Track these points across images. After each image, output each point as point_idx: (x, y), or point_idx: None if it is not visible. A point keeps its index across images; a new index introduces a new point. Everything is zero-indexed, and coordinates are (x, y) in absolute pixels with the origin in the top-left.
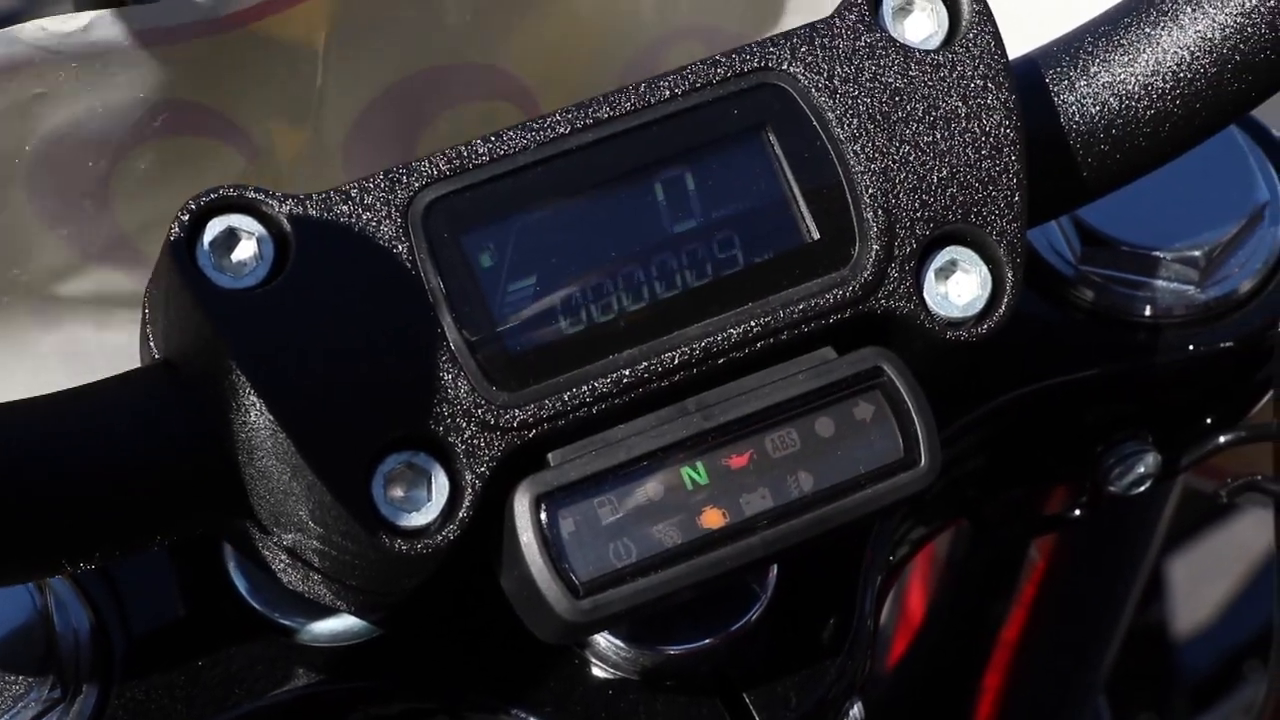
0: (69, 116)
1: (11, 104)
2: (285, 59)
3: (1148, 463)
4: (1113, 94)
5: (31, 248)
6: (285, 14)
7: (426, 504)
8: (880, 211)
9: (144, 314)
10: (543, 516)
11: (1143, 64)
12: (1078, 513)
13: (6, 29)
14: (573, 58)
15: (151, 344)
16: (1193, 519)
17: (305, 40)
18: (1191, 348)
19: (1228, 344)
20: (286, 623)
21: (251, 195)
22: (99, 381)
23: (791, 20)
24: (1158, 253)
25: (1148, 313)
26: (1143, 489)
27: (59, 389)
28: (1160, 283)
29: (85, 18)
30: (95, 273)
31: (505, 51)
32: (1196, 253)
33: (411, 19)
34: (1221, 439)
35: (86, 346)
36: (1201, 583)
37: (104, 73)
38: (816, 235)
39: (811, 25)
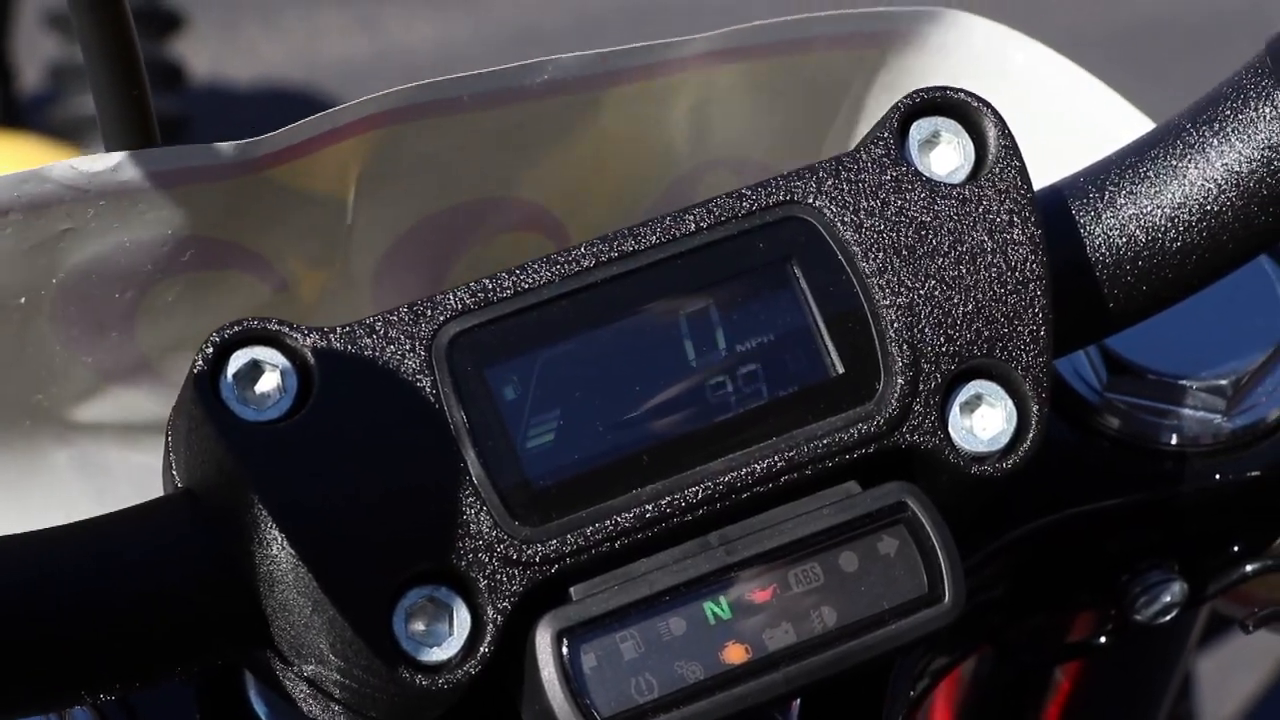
0: (96, 252)
1: (39, 240)
2: (314, 200)
3: (1174, 592)
4: (1139, 226)
5: (55, 374)
6: (315, 156)
7: (448, 638)
8: (905, 346)
9: (167, 443)
10: (564, 651)
11: (1169, 196)
12: (1103, 640)
13: (36, 169)
14: (603, 190)
15: (174, 473)
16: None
17: (336, 181)
18: (1218, 477)
19: (1254, 473)
20: None
21: (275, 327)
22: (122, 510)
23: (825, 151)
24: (1184, 381)
25: (1174, 441)
26: (1168, 618)
27: (77, 510)
28: (1187, 411)
29: (114, 158)
30: (117, 396)
31: (535, 185)
32: (1223, 381)
33: (442, 156)
34: (1248, 568)
35: (107, 468)
36: (1229, 676)
37: (132, 210)
38: (841, 370)
39: (837, 159)
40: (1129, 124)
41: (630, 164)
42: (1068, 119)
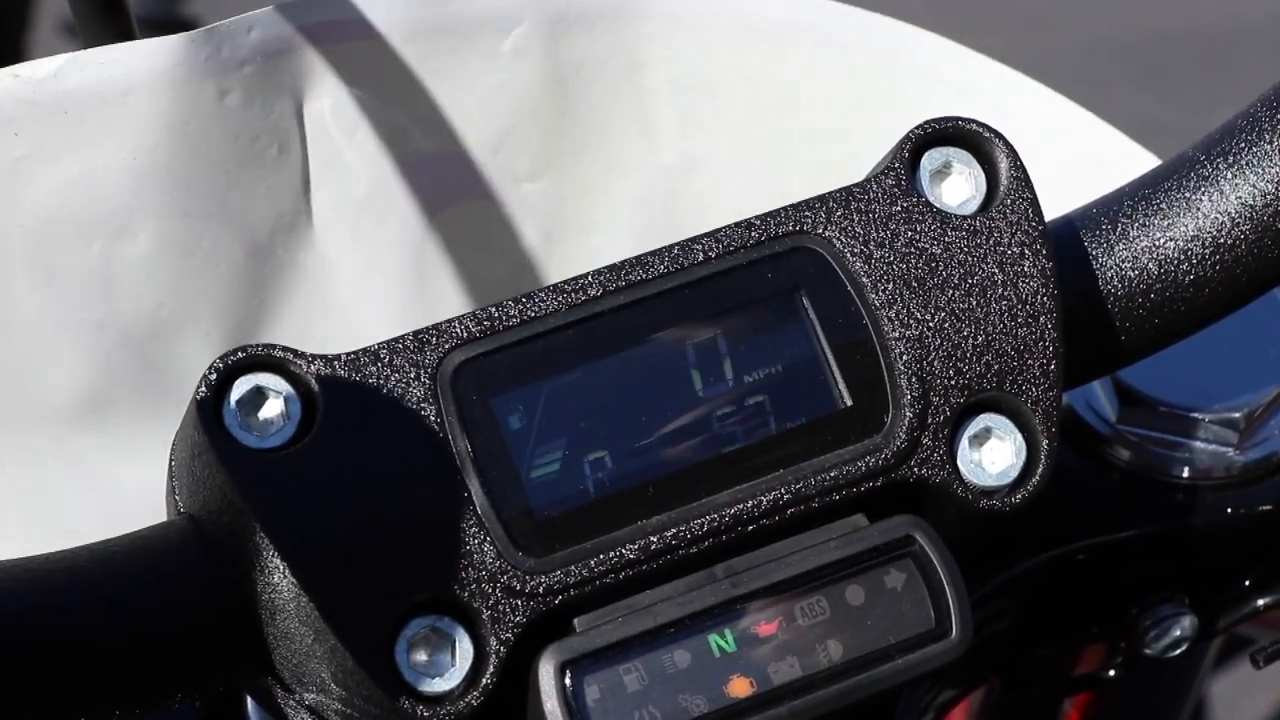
0: (56, 184)
1: None
2: (265, 125)
3: (1184, 625)
4: (1151, 259)
5: (41, 359)
6: (259, 67)
7: (450, 669)
8: (914, 379)
9: (170, 467)
10: (568, 683)
11: (1182, 229)
12: (1112, 673)
13: None
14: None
15: (177, 498)
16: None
17: (287, 105)
18: (1229, 510)
19: (1266, 507)
20: None
21: (279, 354)
22: (124, 536)
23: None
24: (1196, 414)
25: (1185, 474)
26: (1178, 652)
27: (80, 529)
28: (1199, 444)
29: (56, 62)
30: (112, 398)
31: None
32: (1236, 415)
33: (389, 103)
34: (1260, 602)
35: (108, 486)
36: (1239, 700)
37: (82, 130)
38: (849, 401)
39: (848, 189)
40: (1106, 142)
41: None
42: (1044, 141)
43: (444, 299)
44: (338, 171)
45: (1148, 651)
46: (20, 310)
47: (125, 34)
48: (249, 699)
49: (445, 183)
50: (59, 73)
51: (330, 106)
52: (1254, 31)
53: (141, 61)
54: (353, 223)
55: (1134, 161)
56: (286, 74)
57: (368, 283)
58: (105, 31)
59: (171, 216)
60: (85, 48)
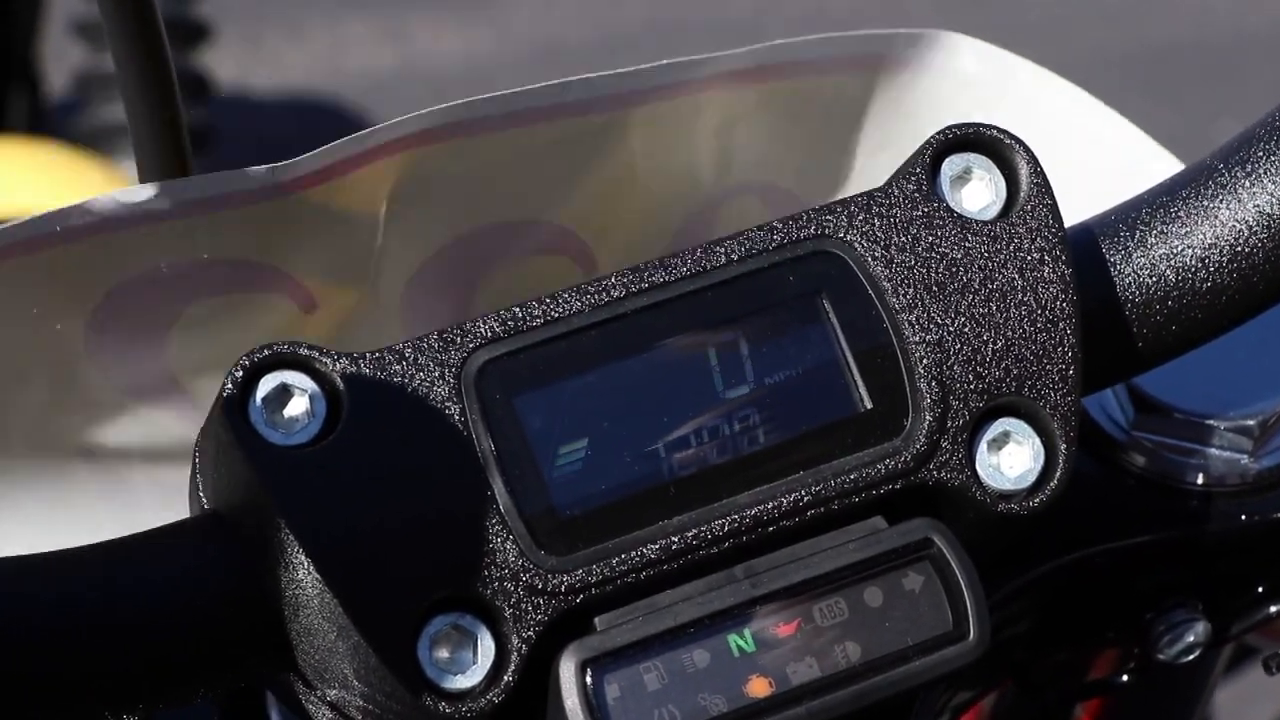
0: (131, 278)
1: (77, 268)
2: (345, 220)
3: (1197, 631)
4: (1169, 266)
5: (84, 396)
6: (347, 178)
7: (472, 666)
8: (934, 382)
9: (194, 464)
10: (588, 681)
11: (1200, 237)
12: (1125, 678)
13: (79, 203)
14: (630, 213)
15: (201, 495)
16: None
17: (367, 202)
18: (1243, 517)
19: None
20: None
21: (305, 352)
22: (148, 531)
23: (845, 178)
24: (1211, 421)
25: (1200, 481)
26: (1191, 657)
27: (103, 531)
28: (1213, 451)
29: (151, 189)
30: (145, 416)
31: (563, 207)
32: (1250, 422)
33: (471, 177)
34: (1273, 609)
35: (133, 488)
36: (1246, 704)
37: (168, 236)
38: (869, 405)
39: (869, 193)
40: (1131, 143)
41: (657, 187)
42: (1070, 140)
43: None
44: (402, 250)
45: (1161, 657)
46: (76, 366)
47: (184, 166)
48: (269, 695)
49: (504, 243)
50: (157, 196)
51: (413, 197)
52: (1260, 41)
53: (234, 185)
54: (408, 283)
55: (1161, 164)
56: (374, 180)
57: (418, 325)
58: (167, 165)
59: (239, 293)
60: (146, 174)
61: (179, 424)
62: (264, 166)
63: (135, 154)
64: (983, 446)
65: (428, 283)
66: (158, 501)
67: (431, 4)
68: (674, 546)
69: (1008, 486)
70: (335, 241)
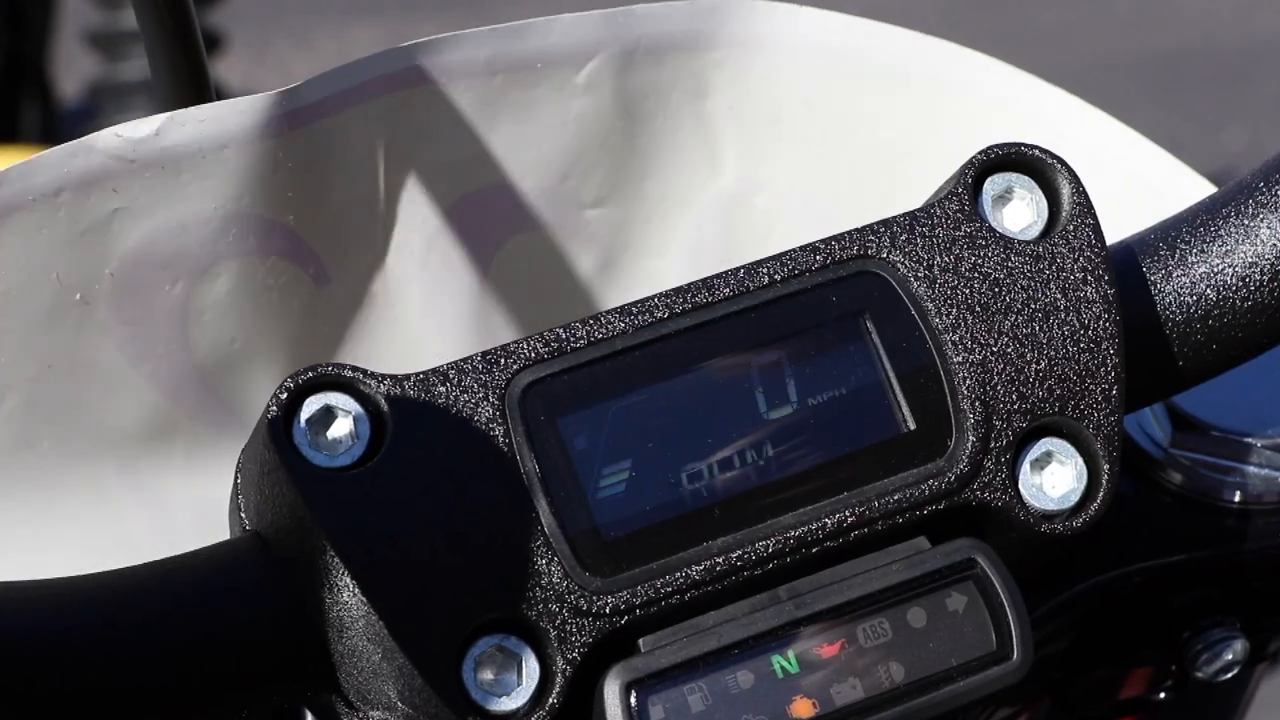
0: (146, 235)
1: (91, 223)
2: (346, 169)
3: (1235, 650)
4: (1209, 285)
5: (112, 389)
6: (343, 115)
7: (517, 688)
8: (977, 403)
9: (236, 484)
10: (633, 703)
11: (1240, 255)
12: (1162, 695)
13: (82, 139)
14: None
15: (243, 515)
16: None
17: (366, 148)
18: None
19: None
20: None
21: (349, 374)
22: (191, 553)
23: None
24: (1249, 438)
25: (1237, 499)
26: (1229, 676)
27: (142, 546)
28: (1251, 468)
29: (156, 122)
30: (175, 420)
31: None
32: None
33: (462, 139)
34: None
35: (171, 503)
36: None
37: (176, 182)
38: (913, 425)
39: (912, 214)
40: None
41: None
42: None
43: (508, 322)
44: (409, 206)
45: (1198, 675)
46: (99, 345)
47: (203, 93)
48: (309, 716)
49: (512, 211)
50: (160, 131)
51: (407, 147)
52: (1270, 49)
53: (237, 118)
54: (421, 254)
55: (1187, 186)
56: (369, 119)
57: (435, 309)
58: (185, 92)
59: (253, 257)
60: (165, 107)
61: (211, 431)
62: (267, 93)
63: (158, 94)
64: (1026, 467)
65: (440, 250)
66: (196, 518)
67: (438, 12)
68: (718, 568)
69: (1051, 507)
70: (341, 194)
